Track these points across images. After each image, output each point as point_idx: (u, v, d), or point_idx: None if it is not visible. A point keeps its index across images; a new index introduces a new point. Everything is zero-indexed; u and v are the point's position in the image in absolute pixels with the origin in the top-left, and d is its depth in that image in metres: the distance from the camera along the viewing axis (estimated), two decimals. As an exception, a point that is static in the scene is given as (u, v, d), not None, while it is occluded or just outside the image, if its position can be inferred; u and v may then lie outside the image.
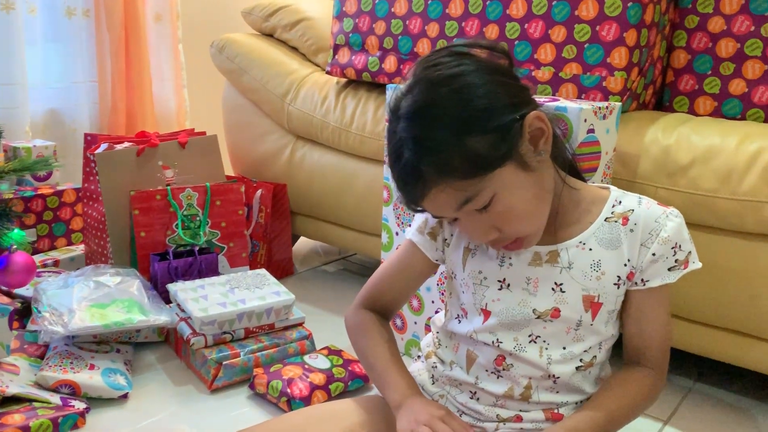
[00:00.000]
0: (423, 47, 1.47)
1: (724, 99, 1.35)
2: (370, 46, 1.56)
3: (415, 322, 1.40)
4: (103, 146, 1.58)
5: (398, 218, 1.37)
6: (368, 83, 1.64)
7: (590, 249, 0.80)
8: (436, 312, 1.01)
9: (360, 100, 1.61)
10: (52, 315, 1.27)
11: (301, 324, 1.43)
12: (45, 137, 2.00)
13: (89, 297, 1.34)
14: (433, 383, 0.90)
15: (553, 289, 0.80)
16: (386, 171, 1.38)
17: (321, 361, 1.31)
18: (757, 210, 1.13)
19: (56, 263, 1.69)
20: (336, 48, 1.63)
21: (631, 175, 1.25)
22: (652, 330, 0.82)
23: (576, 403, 0.84)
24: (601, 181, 1.19)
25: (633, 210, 0.80)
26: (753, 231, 1.15)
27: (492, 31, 1.37)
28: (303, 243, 2.14)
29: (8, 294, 1.46)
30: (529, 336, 0.81)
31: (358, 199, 1.64)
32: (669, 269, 0.79)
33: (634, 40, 1.25)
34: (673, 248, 0.79)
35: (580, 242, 0.80)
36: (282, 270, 1.84)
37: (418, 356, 0.97)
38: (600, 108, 1.13)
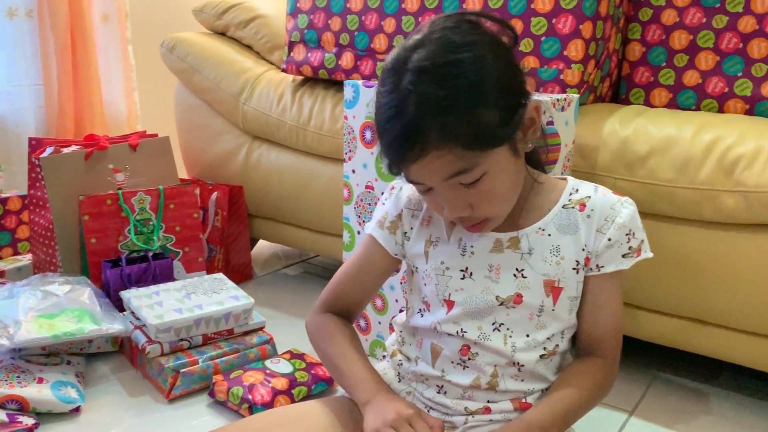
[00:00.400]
0: (380, 43, 1.45)
1: (679, 90, 1.36)
2: (326, 43, 1.54)
3: (379, 322, 1.37)
4: (49, 150, 1.52)
5: (359, 217, 1.34)
6: (325, 80, 1.61)
7: (549, 234, 0.81)
8: (400, 311, 0.98)
9: (317, 97, 1.58)
10: (-4, 327, 1.21)
11: (261, 328, 1.39)
12: (-13, 143, 1.91)
13: (36, 307, 1.27)
14: (399, 381, 0.88)
15: (514, 275, 0.81)
16: (346, 169, 1.35)
17: (283, 366, 1.27)
18: (714, 198, 1.14)
19: (2, 274, 1.61)
20: (291, 45, 1.60)
21: (590, 167, 1.25)
22: (606, 320, 0.83)
23: (541, 391, 0.84)
24: (562, 172, 1.19)
25: (590, 197, 0.82)
26: (711, 219, 1.16)
27: (449, 26, 1.35)
28: (263, 246, 2.09)
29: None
30: (493, 324, 0.81)
31: (317, 199, 1.61)
32: (623, 256, 0.81)
33: (590, 32, 1.25)
34: (627, 234, 0.80)
35: (540, 228, 0.81)
36: (241, 274, 1.79)
37: (384, 356, 0.95)
38: (558, 100, 1.13)
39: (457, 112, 0.69)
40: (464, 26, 0.73)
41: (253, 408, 1.17)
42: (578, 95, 1.21)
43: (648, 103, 1.40)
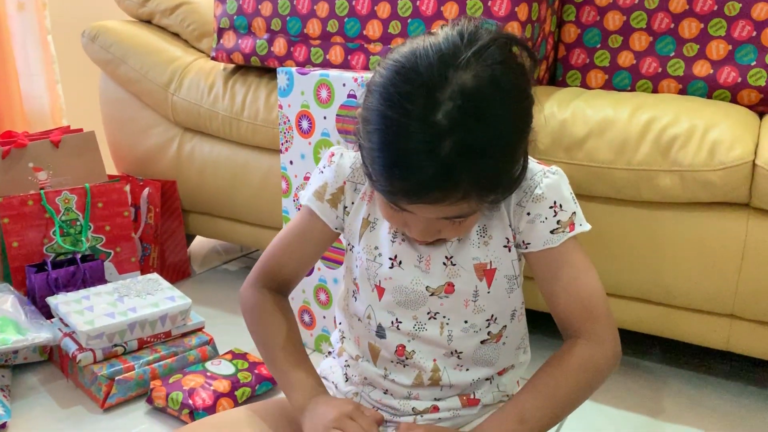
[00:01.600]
0: (313, 28, 1.40)
1: (615, 71, 1.37)
2: (256, 29, 1.48)
3: (324, 317, 1.34)
4: (-39, 149, 1.41)
5: (298, 209, 1.30)
6: (257, 68, 1.55)
7: None
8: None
9: (250, 86, 1.52)
10: None
11: (200, 329, 1.34)
12: None
13: (-47, 319, 1.19)
14: (346, 380, 0.85)
15: (444, 263, 0.76)
16: (283, 160, 1.30)
17: (224, 367, 1.23)
18: (651, 179, 1.15)
19: None
20: (220, 32, 1.53)
21: (531, 151, 1.23)
22: (561, 290, 0.74)
23: (487, 379, 0.81)
24: (502, 158, 1.18)
25: None
26: (648, 200, 1.17)
27: (383, 9, 1.32)
28: (201, 242, 2.02)
29: None
30: (428, 314, 0.77)
31: (254, 192, 1.56)
32: (552, 232, 0.73)
33: (525, 14, 1.24)
34: (551, 207, 0.73)
35: None
36: (178, 272, 1.73)
37: (329, 352, 0.91)
38: (497, 83, 1.11)
39: (494, 169, 0.63)
40: (513, 63, 0.64)
41: (194, 413, 1.12)
42: (516, 78, 1.20)
43: (585, 85, 1.41)
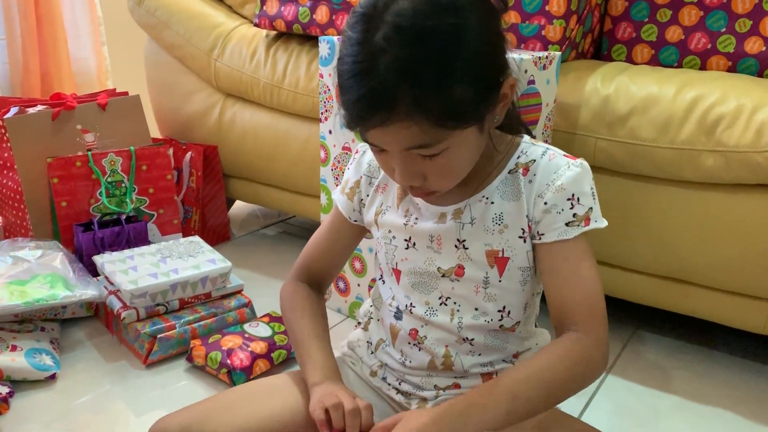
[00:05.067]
0: (356, -3, 1.40)
1: (661, 47, 1.34)
2: (300, -3, 1.48)
3: (359, 285, 1.36)
4: (14, 110, 1.46)
5: (336, 179, 1.31)
6: (299, 36, 1.56)
7: (492, 202, 0.76)
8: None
9: (292, 54, 1.53)
10: (-35, 295, 1.18)
11: (239, 291, 1.37)
12: (-51, 102, 1.84)
13: (7, 274, 1.24)
14: (371, 353, 0.88)
15: (456, 246, 0.77)
16: (322, 129, 1.32)
17: (262, 329, 1.26)
18: (694, 159, 1.13)
19: (-30, 238, 1.57)
20: (264, -1, 1.54)
21: (571, 127, 1.23)
22: (568, 287, 0.74)
23: (504, 360, 0.81)
24: (543, 132, 1.17)
25: (534, 160, 0.75)
26: (690, 180, 1.16)
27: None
28: (240, 207, 2.06)
29: None
30: (440, 298, 0.79)
31: (293, 159, 1.58)
32: (567, 224, 0.73)
33: (572, -14, 1.22)
34: (569, 200, 0.73)
35: (483, 197, 0.76)
36: (218, 235, 1.77)
37: (359, 323, 0.94)
38: (540, 58, 1.10)
39: (431, 84, 0.63)
40: None
41: (232, 373, 1.16)
42: (560, 52, 1.18)
43: (630, 60, 1.38)
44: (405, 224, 0.80)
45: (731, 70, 1.28)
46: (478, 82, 0.66)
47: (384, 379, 0.85)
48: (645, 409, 1.16)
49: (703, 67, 1.31)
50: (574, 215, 0.73)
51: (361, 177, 0.87)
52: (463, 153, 0.70)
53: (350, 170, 0.89)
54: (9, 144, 1.44)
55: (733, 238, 1.14)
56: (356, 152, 0.89)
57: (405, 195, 0.81)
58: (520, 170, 0.75)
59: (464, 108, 0.66)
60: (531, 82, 1.09)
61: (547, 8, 1.22)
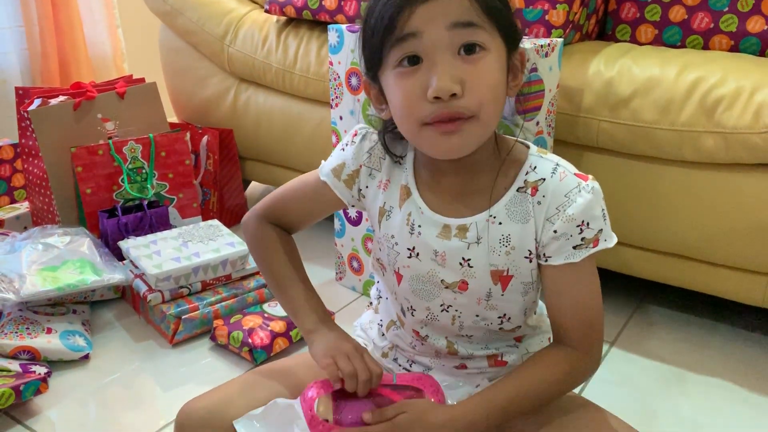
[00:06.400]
0: (363, -17, 1.43)
1: (665, 26, 1.36)
2: (308, -17, 1.51)
3: (372, 264, 1.42)
4: (37, 102, 1.52)
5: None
6: (309, 21, 1.59)
7: (500, 223, 0.75)
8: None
9: (302, 39, 1.56)
10: (2, 282, 1.25)
11: (257, 273, 1.44)
12: (-27, 89, 1.90)
13: (39, 260, 1.32)
14: (382, 335, 0.92)
15: (460, 263, 0.77)
16: (333, 115, 1.36)
17: (280, 309, 1.33)
18: (695, 140, 1.16)
19: (1, 223, 1.64)
20: (274, -15, 1.57)
21: (575, 110, 1.26)
22: (569, 308, 0.76)
23: (507, 345, 0.85)
24: (545, 118, 1.20)
25: (544, 179, 0.74)
26: (691, 160, 1.19)
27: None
28: (257, 187, 2.12)
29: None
30: (441, 305, 0.80)
31: (306, 142, 1.63)
32: (574, 247, 0.73)
33: (575, -30, 1.23)
34: (579, 226, 0.73)
35: (491, 215, 0.76)
36: (236, 216, 1.83)
37: (370, 303, 0.97)
38: (542, 46, 1.13)
39: None
40: None
41: (253, 351, 1.23)
42: (562, 39, 1.21)
43: (634, 39, 1.40)
44: (410, 233, 0.79)
45: (734, 49, 1.30)
46: (510, 13, 0.71)
47: (395, 360, 0.90)
48: (647, 380, 1.21)
49: (705, 47, 1.33)
50: (582, 239, 0.73)
51: (361, 167, 0.83)
52: (495, 74, 0.71)
53: (346, 153, 0.84)
54: (34, 134, 1.50)
55: (732, 215, 1.17)
56: (354, 134, 0.85)
57: (408, 196, 0.80)
58: (529, 190, 0.75)
59: (505, 15, 0.71)
60: (533, 69, 1.12)
61: (550, -7, 1.24)
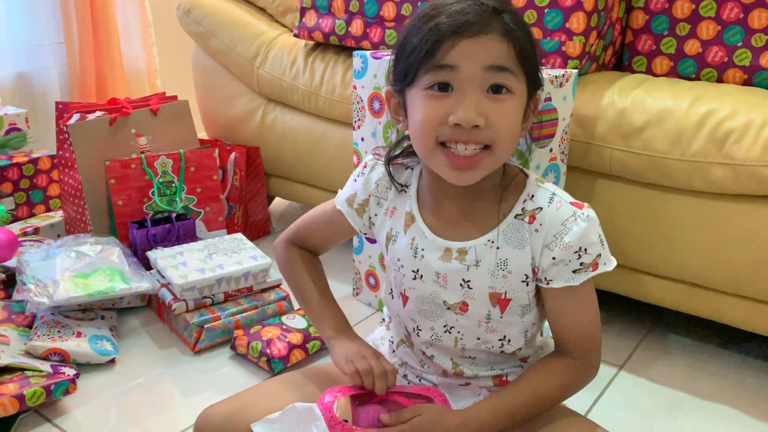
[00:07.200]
0: (388, 11, 1.49)
1: (680, 59, 1.39)
2: (336, 9, 1.57)
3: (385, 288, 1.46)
4: (75, 117, 1.59)
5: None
6: (336, 46, 1.65)
7: (498, 248, 0.79)
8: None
9: (329, 63, 1.63)
10: (37, 287, 1.32)
11: (278, 286, 1.49)
12: (14, 103, 2.00)
13: (72, 267, 1.38)
14: (392, 352, 0.96)
15: (461, 285, 0.81)
16: (355, 137, 1.41)
17: (298, 321, 1.38)
18: (705, 170, 1.19)
19: (36, 231, 1.72)
20: (303, 11, 1.64)
21: (588, 137, 1.30)
22: (569, 326, 0.82)
23: (513, 366, 0.88)
24: (559, 145, 1.25)
25: (541, 208, 0.78)
26: (700, 190, 1.22)
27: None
28: (280, 202, 2.18)
29: (-9, 265, 1.50)
30: (444, 326, 0.84)
31: (329, 161, 1.68)
32: (574, 271, 0.78)
33: (591, 4, 1.28)
34: (576, 252, 0.77)
35: (489, 240, 0.80)
36: (259, 230, 1.89)
37: (383, 319, 1.02)
38: (556, 77, 1.17)
39: (526, 30, 0.75)
40: None
41: (271, 361, 1.27)
42: (577, 70, 1.25)
43: (650, 71, 1.44)
44: (414, 256, 0.84)
45: (747, 82, 1.33)
46: (536, 57, 0.77)
47: (405, 376, 0.94)
48: (655, 404, 1.23)
49: (720, 80, 1.36)
50: (581, 264, 0.78)
51: (370, 197, 0.90)
52: (515, 116, 0.76)
53: (357, 183, 0.91)
54: (71, 147, 1.58)
55: (741, 245, 1.20)
56: (364, 166, 0.91)
57: (412, 222, 0.85)
58: (527, 218, 0.79)
59: (533, 60, 0.76)
60: (548, 99, 1.17)
61: (567, 25, 1.29)
